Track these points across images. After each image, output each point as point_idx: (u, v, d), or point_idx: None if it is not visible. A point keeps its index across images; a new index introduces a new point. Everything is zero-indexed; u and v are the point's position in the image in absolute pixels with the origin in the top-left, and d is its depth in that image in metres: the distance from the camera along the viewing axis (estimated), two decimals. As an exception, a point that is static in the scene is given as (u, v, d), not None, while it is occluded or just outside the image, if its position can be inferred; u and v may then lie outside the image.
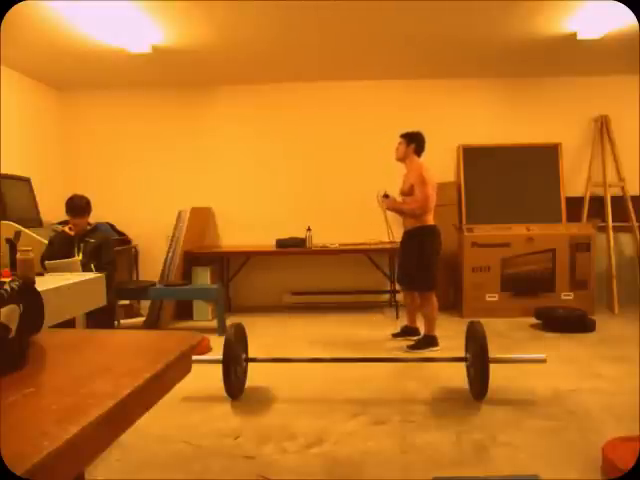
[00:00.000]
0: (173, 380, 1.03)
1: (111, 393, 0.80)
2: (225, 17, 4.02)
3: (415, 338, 4.26)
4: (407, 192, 4.12)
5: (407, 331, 4.41)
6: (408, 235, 4.18)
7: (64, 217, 4.10)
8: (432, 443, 2.50)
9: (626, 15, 3.98)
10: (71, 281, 2.60)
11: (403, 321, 4.57)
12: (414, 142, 4.14)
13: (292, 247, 5.51)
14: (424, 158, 4.17)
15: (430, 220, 4.07)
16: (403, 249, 4.25)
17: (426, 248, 4.06)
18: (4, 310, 0.93)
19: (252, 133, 6.06)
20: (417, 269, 4.09)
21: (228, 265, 5.92)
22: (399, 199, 4.28)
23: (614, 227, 5.52)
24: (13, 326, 0.94)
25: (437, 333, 4.13)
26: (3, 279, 1.02)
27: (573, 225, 5.49)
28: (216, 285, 5.12)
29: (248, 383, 3.27)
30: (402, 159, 4.21)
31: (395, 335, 4.44)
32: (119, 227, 5.76)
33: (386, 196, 4.30)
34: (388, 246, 5.25)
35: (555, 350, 3.94)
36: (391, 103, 5.91)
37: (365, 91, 5.93)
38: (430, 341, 4.09)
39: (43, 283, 2.35)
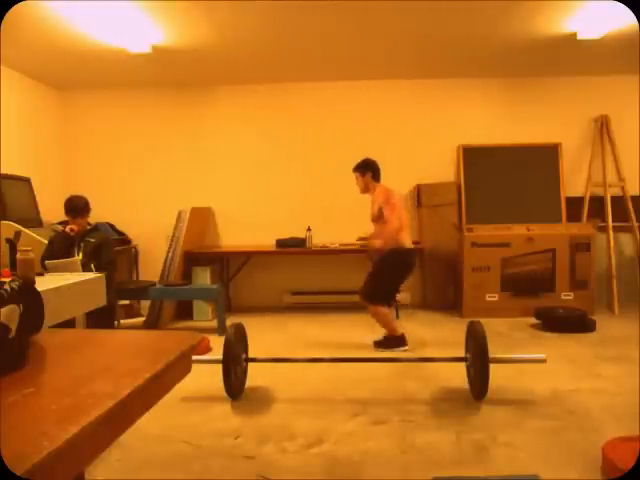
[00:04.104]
0: (173, 380, 1.03)
1: (111, 393, 0.80)
2: (225, 17, 4.02)
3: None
4: (377, 216, 4.07)
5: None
6: (382, 257, 4.08)
7: (64, 217, 4.11)
8: (432, 443, 2.50)
9: (626, 15, 3.98)
10: (71, 281, 2.60)
11: (403, 321, 4.56)
12: (368, 170, 4.16)
13: (292, 247, 5.51)
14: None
15: (406, 241, 4.03)
16: (374, 268, 4.16)
17: (395, 270, 4.03)
18: (4, 310, 0.93)
19: (252, 133, 6.06)
20: (373, 277, 4.08)
21: (228, 265, 5.92)
22: (370, 231, 4.23)
23: (614, 227, 5.52)
24: (13, 326, 0.94)
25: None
26: (3, 279, 1.01)
27: (573, 225, 5.49)
28: (216, 285, 5.11)
29: (248, 383, 3.27)
30: (365, 190, 4.22)
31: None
32: (119, 227, 5.76)
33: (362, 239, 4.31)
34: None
35: (555, 350, 3.95)
36: (391, 103, 5.91)
37: (365, 91, 5.93)
38: (395, 342, 4.07)
39: (43, 283, 2.34)
